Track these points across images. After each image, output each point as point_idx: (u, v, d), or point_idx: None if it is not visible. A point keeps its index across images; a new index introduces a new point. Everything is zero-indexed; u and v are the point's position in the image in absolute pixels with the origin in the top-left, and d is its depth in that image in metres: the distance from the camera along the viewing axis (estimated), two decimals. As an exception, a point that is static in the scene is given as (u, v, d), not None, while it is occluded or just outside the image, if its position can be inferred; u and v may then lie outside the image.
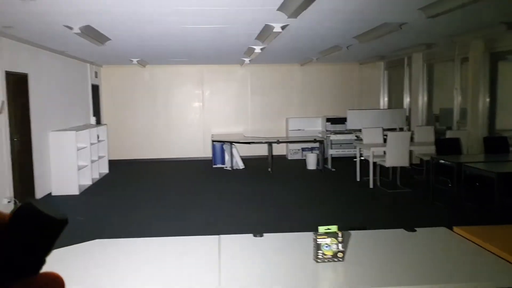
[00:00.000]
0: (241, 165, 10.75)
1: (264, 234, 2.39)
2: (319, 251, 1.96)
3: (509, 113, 8.24)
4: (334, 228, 2.00)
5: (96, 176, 9.59)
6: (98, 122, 11.31)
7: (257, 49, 8.14)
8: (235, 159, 10.73)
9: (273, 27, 5.87)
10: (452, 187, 6.34)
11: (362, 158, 8.76)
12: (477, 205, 6.40)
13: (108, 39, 6.98)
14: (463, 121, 8.79)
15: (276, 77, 12.59)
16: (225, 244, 2.25)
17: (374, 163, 8.11)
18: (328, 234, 1.97)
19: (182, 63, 11.53)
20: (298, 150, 12.09)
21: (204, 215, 6.37)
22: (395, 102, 12.04)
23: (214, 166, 10.98)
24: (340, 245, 1.97)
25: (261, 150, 11.25)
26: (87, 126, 9.52)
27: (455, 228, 2.46)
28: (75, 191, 8.13)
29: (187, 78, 12.32)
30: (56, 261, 1.99)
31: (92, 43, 6.90)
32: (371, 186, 8.08)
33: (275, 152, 11.35)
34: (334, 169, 10.21)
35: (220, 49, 8.70)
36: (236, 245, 2.24)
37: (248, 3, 4.78)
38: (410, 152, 8.67)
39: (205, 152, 12.06)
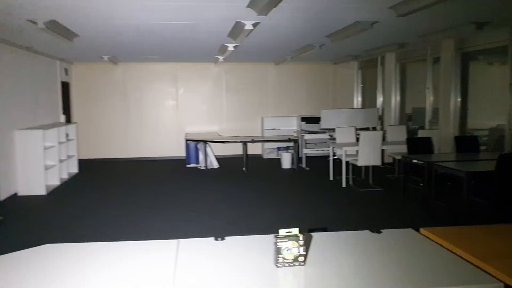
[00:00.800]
0: (215, 164, 10.64)
1: (226, 238, 2.30)
2: (279, 255, 1.88)
3: (480, 112, 8.34)
4: (295, 231, 1.92)
5: (65, 176, 9.35)
6: (68, 120, 11.05)
7: (230, 47, 8.04)
8: (209, 159, 10.61)
9: (244, 25, 5.79)
10: (423, 186, 6.36)
11: (336, 157, 8.75)
12: (448, 204, 6.45)
13: (76, 35, 6.78)
14: (435, 120, 8.87)
15: (251, 75, 12.51)
16: (184, 248, 2.16)
17: (347, 162, 8.11)
18: (289, 237, 1.90)
19: (155, 60, 11.34)
20: (274, 149, 12.05)
21: (173, 217, 6.24)
22: (368, 101, 12.10)
23: (188, 165, 10.84)
24: (301, 248, 1.90)
25: (236, 150, 11.16)
26: (56, 125, 9.26)
27: (421, 230, 2.42)
28: (42, 192, 7.89)
29: (160, 75, 12.14)
30: (-1, 269, 1.86)
31: (59, 39, 6.70)
32: (343, 185, 8.07)
33: (250, 152, 11.28)
34: (308, 168, 10.18)
35: (193, 47, 8.57)
36: (196, 250, 2.14)
37: (218, -1, 4.68)
38: (383, 151, 8.70)
39: (179, 151, 11.90)
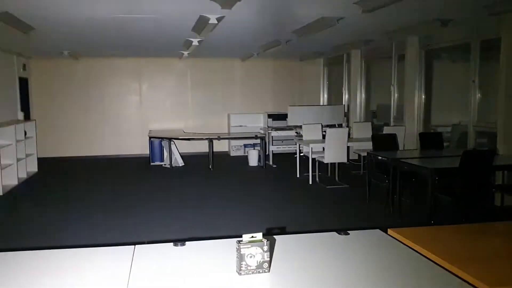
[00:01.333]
0: (180, 162, 10.43)
1: (187, 243, 2.17)
2: (242, 262, 1.77)
3: (444, 109, 8.45)
4: (259, 236, 1.81)
5: (24, 176, 8.96)
6: (27, 117, 10.62)
7: (195, 41, 7.86)
8: (174, 156, 10.40)
9: (209, 19, 5.64)
10: (388, 183, 6.38)
11: (302, 154, 8.71)
12: (413, 201, 6.49)
13: (31, 28, 6.47)
14: (399, 117, 8.95)
15: (217, 72, 12.35)
16: (140, 255, 2.02)
17: (313, 159, 8.08)
18: (252, 243, 1.79)
19: (118, 55, 11.04)
20: (241, 146, 11.93)
21: (133, 219, 5.98)
22: (335, 98, 12.13)
23: (152, 163, 10.60)
24: (265, 254, 1.79)
25: (202, 147, 10.97)
26: (13, 122, 8.87)
27: (389, 231, 2.35)
28: (-2, 192, 7.54)
29: (123, 71, 11.83)
30: None
31: (14, 32, 6.38)
32: (310, 182, 8.03)
33: (218, 149, 11.14)
34: (275, 166, 10.12)
35: (157, 41, 8.36)
36: (153, 256, 2.01)
37: (180, -8, 4.53)
38: (349, 148, 8.72)
39: (143, 149, 11.61)
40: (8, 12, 5.40)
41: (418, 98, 8.35)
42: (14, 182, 8.29)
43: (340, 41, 8.92)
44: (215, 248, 2.11)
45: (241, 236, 1.82)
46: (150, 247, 2.12)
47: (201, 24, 6.14)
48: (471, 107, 7.13)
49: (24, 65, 10.69)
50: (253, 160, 10.25)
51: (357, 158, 9.59)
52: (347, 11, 5.65)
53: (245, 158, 10.63)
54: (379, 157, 6.27)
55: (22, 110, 10.26)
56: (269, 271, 1.81)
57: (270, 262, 1.82)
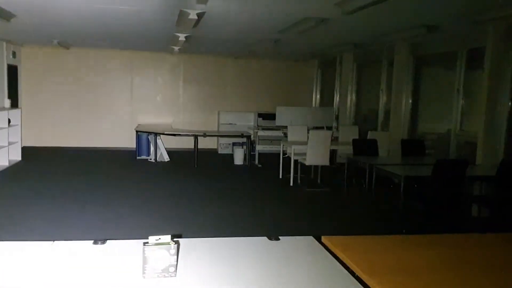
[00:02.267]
0: (166, 157, 10.36)
1: (108, 241, 2.10)
2: (146, 265, 1.70)
3: (430, 116, 8.36)
4: (166, 238, 1.74)
5: (5, 164, 8.90)
6: (15, 105, 10.54)
7: (181, 37, 7.78)
8: (160, 151, 10.33)
9: (189, 14, 5.55)
10: (366, 188, 6.31)
11: (286, 155, 8.63)
12: (389, 207, 6.41)
13: (12, 15, 6.40)
14: (387, 122, 8.86)
15: (209, 68, 12.28)
16: (54, 251, 1.95)
17: (296, 161, 8.00)
18: (159, 245, 1.71)
19: (109, 47, 10.97)
20: (229, 144, 11.85)
21: (105, 213, 5.90)
22: (327, 100, 12.05)
23: (138, 157, 10.53)
24: (172, 258, 1.72)
25: (189, 143, 10.87)
26: (-3, 109, 8.82)
27: (323, 238, 2.28)
28: (-24, 179, 7.49)
29: (115, 63, 11.76)
30: None
31: (-5, 18, 6.31)
32: (291, 184, 7.96)
33: (206, 146, 11.07)
34: (260, 165, 10.05)
35: (144, 35, 8.29)
36: (66, 254, 1.93)
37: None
38: (335, 151, 8.65)
39: (132, 142, 11.51)
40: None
41: (405, 104, 8.26)
42: (-5, 169, 8.24)
43: (330, 43, 8.83)
44: (135, 248, 2.03)
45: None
46: (67, 244, 2.05)
47: (182, 19, 6.06)
48: (455, 116, 7.04)
49: (14, 52, 10.62)
50: (238, 159, 10.18)
51: (344, 162, 9.49)
52: (330, 12, 5.57)
53: (231, 156, 10.55)
54: (359, 163, 6.20)
55: (9, 97, 10.19)
56: (175, 275, 1.73)
57: (176, 266, 1.75)
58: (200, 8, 5.13)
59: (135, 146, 10.79)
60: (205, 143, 10.87)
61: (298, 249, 2.12)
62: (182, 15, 5.84)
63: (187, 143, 11.16)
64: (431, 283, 1.80)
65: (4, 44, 9.96)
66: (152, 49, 11.04)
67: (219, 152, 11.90)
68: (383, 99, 9.12)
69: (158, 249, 1.71)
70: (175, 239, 1.77)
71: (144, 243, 1.72)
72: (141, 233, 5.01)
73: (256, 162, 10.22)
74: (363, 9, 4.99)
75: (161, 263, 1.71)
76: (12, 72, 10.55)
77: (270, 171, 9.32)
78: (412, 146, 7.06)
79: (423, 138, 7.77)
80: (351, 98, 10.49)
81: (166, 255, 1.72)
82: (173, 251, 1.73)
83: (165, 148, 10.45)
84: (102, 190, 7.25)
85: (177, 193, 7.22)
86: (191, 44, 8.75)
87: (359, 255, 2.04)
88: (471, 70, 6.89)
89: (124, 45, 10.26)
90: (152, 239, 1.74)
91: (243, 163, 10.16)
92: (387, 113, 8.96)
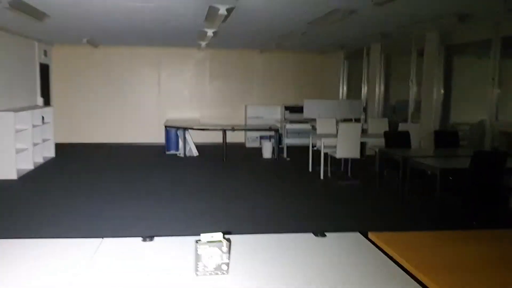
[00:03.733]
0: (195, 152, 10.45)
1: (155, 238, 2.13)
2: (199, 263, 1.72)
3: (463, 107, 8.20)
4: (218, 236, 1.75)
5: (40, 160, 9.12)
6: (47, 103, 10.77)
7: (209, 32, 7.80)
8: (188, 146, 10.41)
9: (218, 9, 5.56)
10: (399, 181, 6.23)
11: (315, 148, 8.59)
12: (423, 200, 6.32)
13: (46, 15, 6.52)
14: (417, 114, 8.72)
15: (235, 62, 12.29)
16: (104, 249, 1.98)
17: (326, 154, 7.96)
18: (210, 243, 1.73)
19: (137, 44, 11.08)
20: (256, 138, 11.87)
21: (140, 208, 5.98)
22: (354, 92, 11.92)
23: (168, 152, 10.64)
24: (224, 255, 1.73)
25: (218, 137, 10.93)
26: (31, 107, 9.01)
27: (369, 234, 2.26)
28: (13, 176, 7.68)
29: (143, 60, 11.88)
30: None
31: (29, 19, 6.44)
32: (321, 177, 7.92)
33: (233, 140, 11.11)
34: (289, 159, 10.03)
35: (172, 31, 8.34)
36: (116, 251, 1.97)
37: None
38: (364, 144, 8.56)
39: (160, 137, 11.65)
40: (22, 1, 5.44)
41: (436, 94, 8.11)
42: (30, 166, 8.44)
43: (357, 34, 8.71)
44: (182, 245, 2.06)
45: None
46: (116, 241, 2.09)
47: (212, 15, 6.08)
48: (489, 106, 6.88)
49: (45, 52, 10.82)
50: (266, 152, 10.18)
51: (374, 154, 9.40)
52: (360, 4, 5.49)
53: (259, 150, 10.56)
54: (390, 154, 6.13)
55: (42, 96, 10.41)
56: (227, 273, 1.75)
57: (228, 264, 1.76)
58: (230, 3, 5.12)
59: (163, 141, 10.91)
60: (232, 137, 10.89)
61: (345, 245, 2.11)
62: (211, 10, 5.85)
63: (214, 137, 11.23)
64: (488, 280, 1.77)
65: (36, 43, 10.16)
66: (180, 45, 11.10)
67: (246, 146, 11.92)
68: (413, 90, 8.97)
69: (211, 246, 1.72)
70: (226, 237, 1.78)
71: (197, 241, 1.74)
72: (177, 228, 5.10)
73: (285, 155, 10.20)
74: (393, 1, 4.91)
75: (213, 261, 1.73)
76: (44, 71, 10.77)
77: (299, 164, 9.31)
78: (446, 138, 6.93)
79: (456, 129, 7.62)
80: (379, 89, 10.35)
81: (219, 253, 1.73)
82: (225, 248, 1.74)
83: (194, 143, 10.53)
84: (135, 185, 7.35)
85: (209, 188, 7.27)
86: (218, 38, 8.76)
87: (409, 252, 2.02)
88: (507, 58, 6.70)
89: (152, 41, 10.35)
90: (204, 236, 1.75)
91: (272, 156, 10.15)
92: (417, 104, 8.81)
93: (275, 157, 9.98)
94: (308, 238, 2.20)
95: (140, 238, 2.12)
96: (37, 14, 6.30)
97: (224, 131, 9.77)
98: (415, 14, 6.44)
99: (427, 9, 6.00)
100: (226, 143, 9.80)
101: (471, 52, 7.99)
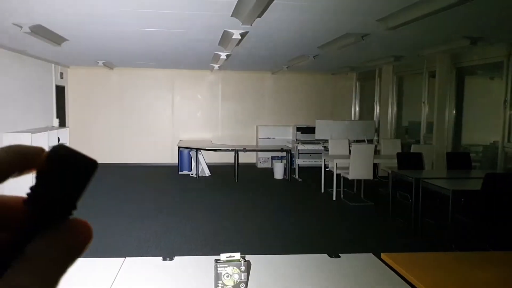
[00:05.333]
0: (207, 172, 10.54)
1: (175, 258, 2.20)
2: (218, 281, 1.78)
3: (475, 128, 8.21)
4: (236, 255, 1.82)
5: (55, 180, 9.24)
6: (63, 124, 10.98)
7: (223, 55, 7.96)
8: (201, 166, 10.51)
9: (232, 34, 5.70)
10: (411, 202, 6.23)
11: (328, 169, 8.63)
12: (435, 222, 6.31)
13: (64, 39, 6.72)
14: (429, 135, 8.75)
15: (247, 84, 12.44)
16: (127, 268, 2.05)
17: (338, 175, 7.99)
18: (229, 263, 1.79)
19: (151, 66, 11.29)
20: (268, 158, 11.93)
21: (149, 228, 6.06)
22: (366, 113, 11.99)
23: (180, 172, 10.74)
24: (242, 274, 1.79)
25: (229, 158, 11.03)
26: (48, 129, 9.20)
27: (382, 255, 2.30)
28: (29, 196, 7.79)
29: (156, 82, 12.08)
30: None
31: (48, 43, 6.64)
32: (334, 198, 7.94)
33: (244, 160, 11.17)
34: (300, 179, 10.07)
35: (186, 54, 8.51)
36: (139, 270, 2.04)
37: (202, 7, 4.60)
38: (377, 165, 8.59)
39: (173, 158, 11.80)
40: (41, 25, 5.63)
41: (449, 116, 8.15)
42: (46, 186, 8.56)
43: (369, 57, 8.82)
44: (201, 265, 2.12)
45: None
46: (138, 261, 2.16)
47: (226, 39, 6.23)
48: (502, 128, 6.89)
49: (61, 74, 11.08)
50: (278, 173, 10.23)
51: (387, 175, 9.41)
52: (371, 28, 5.59)
53: (271, 170, 10.62)
54: (402, 176, 6.15)
55: (57, 117, 10.62)
56: (245, 292, 1.80)
57: (247, 283, 1.82)
58: (244, 28, 5.26)
59: (176, 162, 11.03)
60: (244, 158, 10.96)
61: (359, 266, 2.16)
62: (225, 35, 6.00)
63: (226, 158, 11.32)
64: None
65: (53, 66, 10.42)
66: (193, 68, 11.30)
67: (258, 166, 11.98)
68: (425, 111, 9.01)
69: (230, 266, 1.79)
70: (243, 256, 1.84)
71: (216, 260, 1.80)
72: (192, 248, 5.15)
73: (296, 176, 10.25)
74: (406, 25, 5.00)
75: (232, 279, 1.79)
76: (60, 92, 11.00)
77: (311, 185, 9.34)
78: (458, 159, 6.94)
79: (468, 151, 7.62)
80: (391, 110, 10.41)
81: (237, 272, 1.79)
82: (244, 268, 1.80)
83: (206, 163, 10.62)
84: (149, 204, 7.43)
85: (222, 208, 7.33)
86: (231, 61, 8.92)
87: (423, 273, 2.05)
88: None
89: (166, 64, 10.54)
90: (223, 256, 1.82)
91: (283, 177, 10.20)
92: (429, 125, 8.84)
93: (287, 177, 10.02)
94: (322, 259, 2.25)
95: (161, 258, 2.19)
96: (56, 39, 6.50)
97: (236, 152, 9.86)
98: (427, 38, 6.53)
99: (439, 33, 6.09)
100: (238, 163, 9.88)
101: (483, 73, 8.04)
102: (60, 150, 0.36)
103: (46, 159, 0.36)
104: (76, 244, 0.35)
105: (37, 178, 0.35)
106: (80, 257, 0.36)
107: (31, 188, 0.35)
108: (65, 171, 0.35)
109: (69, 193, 0.35)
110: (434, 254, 2.39)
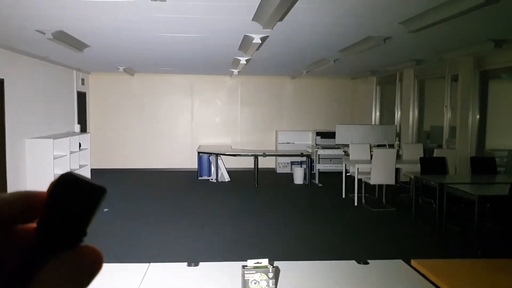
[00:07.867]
0: (226, 177, 10.52)
1: (200, 263, 2.17)
2: (246, 288, 1.74)
3: (500, 132, 8.04)
4: (264, 262, 1.78)
5: (77, 185, 9.33)
6: (84, 130, 11.09)
7: (242, 60, 7.95)
8: (220, 171, 10.50)
9: (253, 38, 5.69)
10: (435, 208, 6.12)
11: (349, 174, 8.53)
12: (460, 227, 6.18)
13: (86, 45, 6.79)
14: (452, 140, 8.59)
15: (266, 89, 12.42)
16: (153, 273, 2.03)
17: (360, 180, 7.89)
18: (257, 269, 1.75)
19: (171, 72, 11.36)
20: (287, 163, 11.87)
21: (172, 233, 6.06)
22: (387, 118, 11.85)
23: (200, 178, 10.75)
24: (270, 281, 1.75)
25: (249, 163, 11.01)
26: (69, 134, 9.31)
27: (412, 261, 2.24)
28: (51, 201, 7.88)
29: (176, 87, 12.14)
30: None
31: (69, 49, 6.72)
32: (355, 204, 7.84)
33: (264, 165, 11.14)
34: (321, 184, 9.98)
35: (206, 60, 8.53)
36: (164, 275, 2.02)
37: (223, 12, 4.60)
38: (398, 170, 8.46)
39: (193, 163, 11.82)
40: (63, 32, 5.70)
41: (472, 120, 7.99)
42: (68, 191, 8.65)
43: (391, 60, 8.72)
44: (226, 270, 2.09)
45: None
46: (163, 266, 2.14)
47: (246, 44, 6.22)
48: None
49: (82, 80, 11.22)
50: (298, 178, 10.16)
51: (408, 180, 9.28)
52: (394, 31, 5.52)
53: (290, 176, 10.56)
54: (425, 181, 6.04)
55: (79, 123, 10.74)
56: (273, 298, 1.76)
57: (275, 289, 1.78)
58: (265, 32, 5.24)
59: (196, 167, 11.05)
60: (263, 163, 10.92)
61: (389, 273, 2.10)
62: (246, 39, 5.99)
63: (246, 163, 11.31)
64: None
65: (74, 72, 10.55)
66: (212, 73, 11.33)
67: (277, 172, 11.93)
68: (447, 115, 8.86)
69: (257, 272, 1.75)
70: (271, 262, 1.81)
71: (243, 266, 1.77)
72: (214, 254, 5.13)
73: (317, 181, 10.16)
74: (428, 28, 4.93)
75: (260, 286, 1.75)
76: (81, 98, 11.13)
77: (332, 190, 9.25)
78: (482, 164, 6.80)
79: (493, 155, 7.46)
80: (413, 114, 10.26)
81: (265, 279, 1.75)
82: (271, 274, 1.76)
83: (225, 168, 10.62)
84: (169, 210, 7.44)
85: (242, 213, 7.30)
86: (250, 65, 8.91)
87: (453, 279, 1.99)
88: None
89: (186, 69, 10.59)
90: (250, 262, 1.78)
91: (303, 182, 10.13)
92: (452, 129, 8.69)
93: (307, 183, 9.95)
94: (351, 265, 2.20)
95: (185, 263, 2.16)
96: (78, 45, 6.58)
97: (256, 157, 9.84)
98: (449, 41, 6.43)
99: (462, 35, 5.99)
100: (257, 168, 9.85)
101: (508, 77, 7.87)
102: (68, 179, 0.37)
103: (53, 188, 0.37)
104: (84, 273, 0.36)
105: (46, 207, 0.37)
106: (88, 285, 0.36)
107: (41, 217, 0.37)
108: (72, 200, 0.36)
109: (77, 221, 0.37)
110: (464, 261, 2.32)
